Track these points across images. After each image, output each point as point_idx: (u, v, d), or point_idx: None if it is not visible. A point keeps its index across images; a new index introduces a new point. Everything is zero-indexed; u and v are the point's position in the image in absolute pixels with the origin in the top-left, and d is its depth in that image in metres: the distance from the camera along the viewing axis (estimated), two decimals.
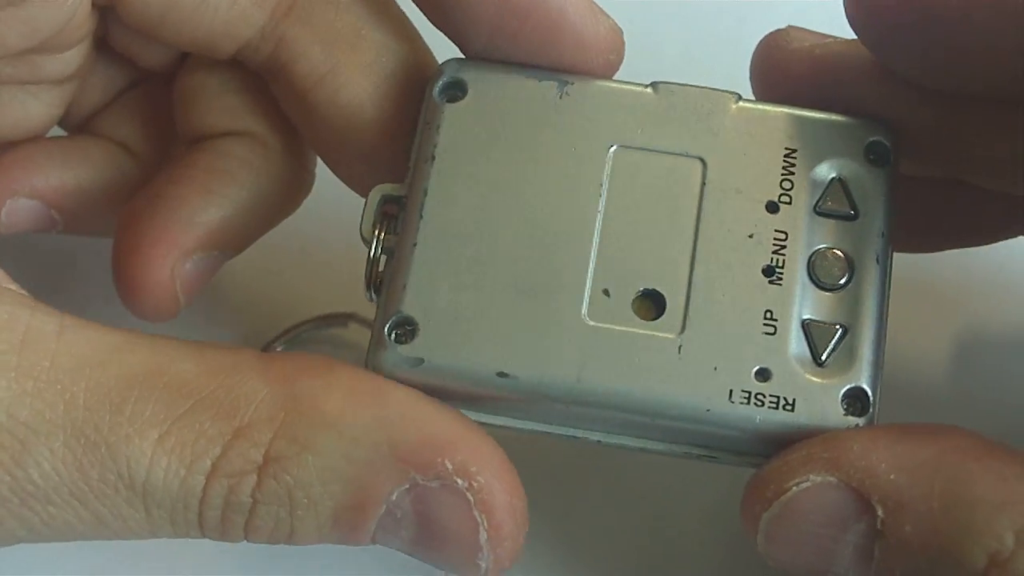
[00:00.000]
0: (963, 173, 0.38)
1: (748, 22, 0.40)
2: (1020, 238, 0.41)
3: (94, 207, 0.41)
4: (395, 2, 0.39)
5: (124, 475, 0.31)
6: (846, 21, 0.36)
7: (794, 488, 0.32)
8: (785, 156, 0.35)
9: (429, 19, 0.37)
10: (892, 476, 0.31)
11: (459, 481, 0.31)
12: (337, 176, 0.40)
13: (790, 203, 0.35)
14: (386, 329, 0.34)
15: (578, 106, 0.36)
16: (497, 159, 0.35)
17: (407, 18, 0.39)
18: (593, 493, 0.42)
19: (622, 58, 0.37)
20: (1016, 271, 0.45)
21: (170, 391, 0.31)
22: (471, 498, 0.32)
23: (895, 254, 0.35)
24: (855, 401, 0.33)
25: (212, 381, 0.31)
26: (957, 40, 0.34)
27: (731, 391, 0.33)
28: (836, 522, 0.32)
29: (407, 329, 0.34)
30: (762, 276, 0.34)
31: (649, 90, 0.36)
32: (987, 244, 0.42)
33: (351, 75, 0.38)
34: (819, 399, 0.33)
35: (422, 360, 0.33)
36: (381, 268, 0.36)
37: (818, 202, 0.35)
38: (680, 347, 0.33)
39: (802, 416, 0.33)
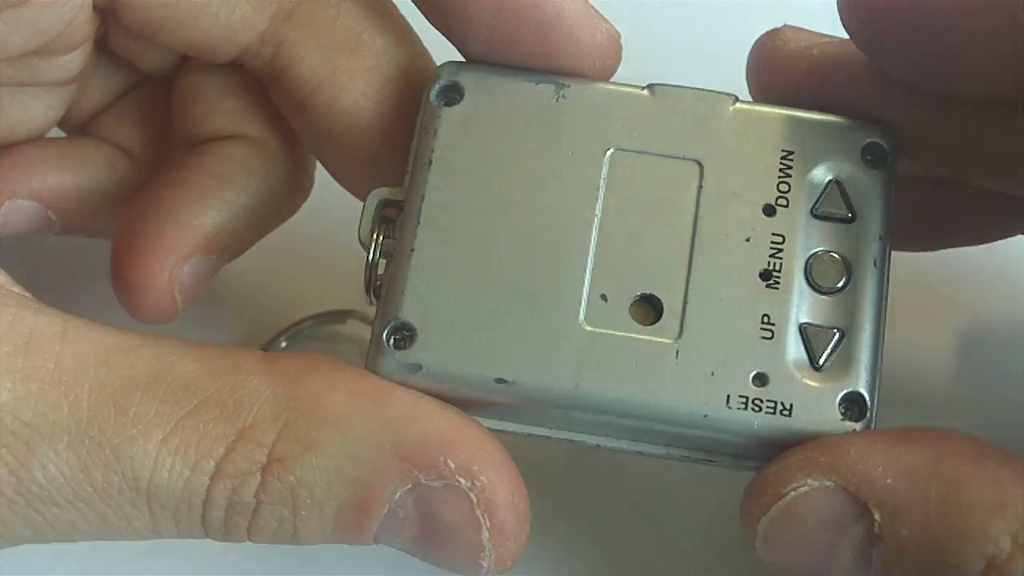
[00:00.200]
0: (960, 173, 0.39)
1: (747, 22, 0.39)
2: (1018, 237, 0.41)
3: (92, 209, 0.41)
4: (395, 7, 0.39)
5: (128, 476, 0.31)
6: None
7: (792, 492, 0.32)
8: (782, 158, 0.35)
9: (428, 20, 0.37)
10: (889, 480, 0.31)
11: (462, 480, 0.32)
12: (336, 180, 0.40)
13: (787, 206, 0.35)
14: (385, 335, 0.34)
15: (575, 109, 0.36)
16: (494, 162, 0.35)
17: (407, 23, 0.39)
18: (594, 494, 0.42)
19: (619, 62, 0.37)
20: (1014, 271, 0.46)
21: (174, 392, 0.31)
22: (474, 497, 0.32)
23: (893, 254, 0.35)
24: (852, 406, 0.33)
25: (215, 382, 0.32)
26: (951, 43, 0.34)
27: (729, 396, 0.33)
28: (834, 526, 0.32)
29: (405, 335, 0.34)
30: (759, 280, 0.34)
31: (646, 92, 0.36)
32: (985, 243, 0.43)
33: (351, 80, 0.38)
34: (816, 404, 0.33)
35: (420, 366, 0.33)
36: (380, 272, 0.36)
37: (815, 205, 0.35)
38: (677, 352, 0.33)
39: (800, 421, 0.33)
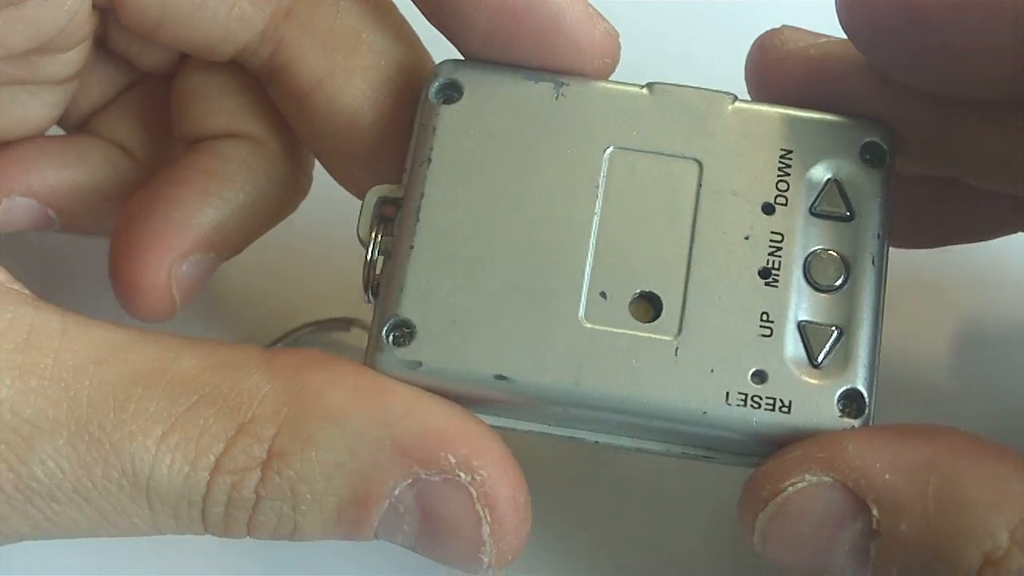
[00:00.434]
0: (959, 173, 0.38)
1: (746, 22, 0.39)
2: (1018, 236, 0.42)
3: (91, 207, 0.41)
4: (394, 6, 0.39)
5: (128, 472, 0.31)
6: None
7: (790, 488, 0.32)
8: (781, 157, 0.35)
9: (428, 19, 0.37)
10: (887, 476, 0.31)
11: (462, 475, 0.32)
12: (335, 179, 0.40)
13: (786, 204, 0.35)
14: (384, 332, 0.34)
15: (574, 107, 0.36)
16: (493, 161, 0.35)
17: (406, 22, 0.39)
18: (593, 490, 0.42)
19: (617, 61, 0.37)
20: (1013, 269, 0.46)
21: (173, 387, 0.31)
22: (474, 492, 0.32)
23: (892, 251, 0.35)
24: (851, 402, 0.33)
25: (215, 377, 0.32)
26: (948, 43, 0.34)
27: (728, 393, 0.33)
28: (832, 522, 0.32)
29: (405, 332, 0.34)
30: (758, 278, 0.34)
31: (645, 91, 0.36)
32: (985, 240, 0.43)
33: (349, 78, 0.38)
34: (815, 401, 0.33)
35: (420, 363, 0.33)
36: (379, 270, 0.36)
37: (814, 203, 0.35)
38: (677, 349, 0.34)
39: (798, 418, 0.33)
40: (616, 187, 0.35)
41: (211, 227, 0.39)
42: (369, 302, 0.36)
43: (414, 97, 0.37)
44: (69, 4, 0.36)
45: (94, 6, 0.37)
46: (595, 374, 0.33)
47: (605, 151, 0.36)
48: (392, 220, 0.36)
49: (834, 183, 0.35)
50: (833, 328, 0.34)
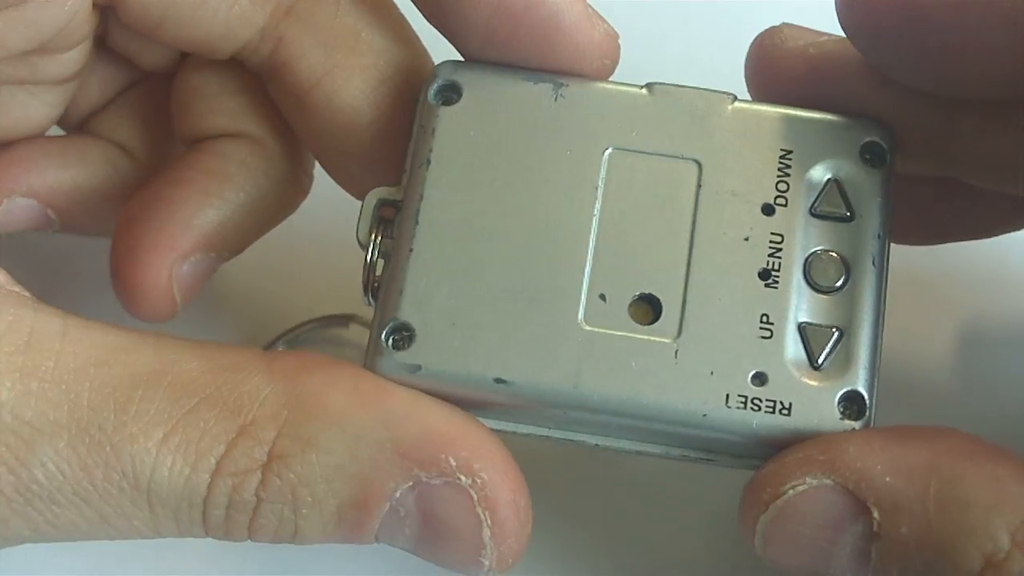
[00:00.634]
0: (958, 173, 0.38)
1: (745, 21, 0.39)
2: (1018, 236, 0.42)
3: (91, 207, 0.41)
4: (395, 6, 0.39)
5: (128, 474, 0.31)
6: None
7: (790, 491, 0.32)
8: (781, 157, 0.35)
9: (427, 19, 0.37)
10: (888, 478, 0.31)
11: (462, 478, 0.32)
12: (334, 179, 0.40)
13: (786, 205, 0.35)
14: (383, 335, 0.34)
15: (574, 108, 0.36)
16: (492, 162, 0.35)
17: (406, 21, 0.39)
18: (593, 492, 0.42)
19: (617, 62, 0.37)
20: (1014, 269, 0.46)
21: (174, 390, 0.31)
22: (474, 495, 0.32)
23: (893, 249, 0.35)
24: (851, 404, 0.33)
25: (216, 379, 0.32)
26: (948, 44, 0.34)
27: (728, 396, 0.33)
28: (832, 524, 0.32)
29: (404, 335, 0.34)
30: (758, 279, 0.34)
31: (645, 91, 0.36)
32: (986, 238, 0.43)
33: (348, 77, 0.38)
34: (815, 403, 0.33)
35: (419, 366, 0.33)
36: (378, 272, 0.36)
37: (814, 204, 0.35)
38: (676, 352, 0.34)
39: (799, 420, 0.33)
40: (615, 188, 0.35)
41: (212, 227, 0.39)
42: (369, 304, 0.36)
43: (413, 97, 0.37)
44: (69, 4, 0.36)
45: (94, 5, 0.37)
46: (595, 377, 0.33)
47: (604, 152, 0.35)
48: (391, 222, 0.36)
49: (834, 183, 0.35)
50: (833, 329, 0.34)
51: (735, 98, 0.36)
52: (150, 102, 0.42)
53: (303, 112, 0.39)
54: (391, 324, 0.34)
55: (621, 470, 0.42)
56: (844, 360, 0.34)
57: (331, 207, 0.41)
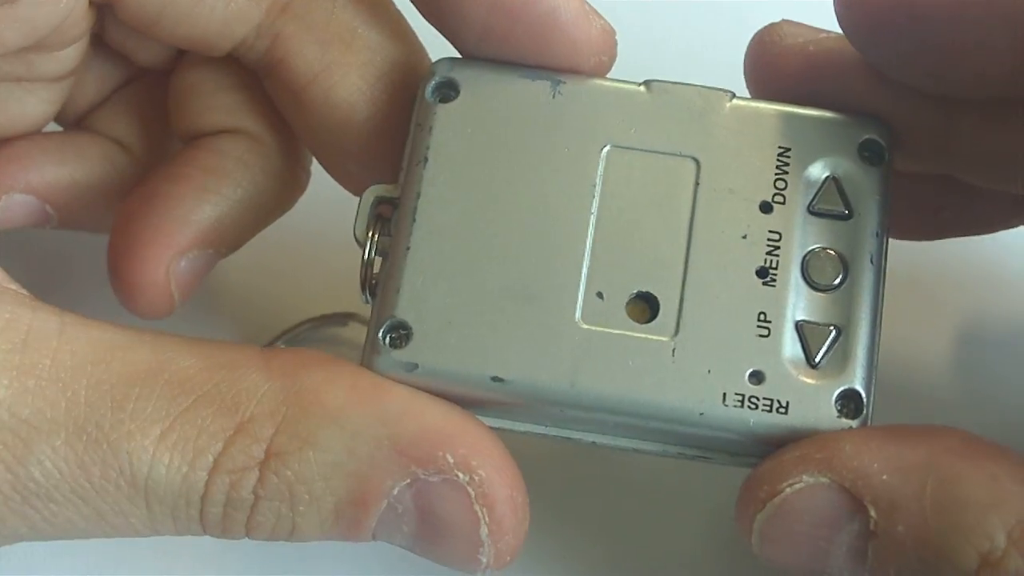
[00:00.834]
0: (957, 171, 0.38)
1: (744, 18, 0.39)
2: (1017, 234, 0.42)
3: (89, 203, 0.41)
4: (391, 2, 0.39)
5: (126, 472, 0.31)
6: None
7: (787, 489, 0.32)
8: (779, 155, 0.35)
9: (424, 16, 0.37)
10: (884, 477, 0.31)
11: (460, 475, 0.32)
12: (331, 176, 0.40)
13: (784, 203, 0.35)
14: (380, 333, 0.34)
15: (571, 106, 0.36)
16: (490, 160, 0.35)
17: (403, 18, 0.39)
18: (591, 490, 0.42)
19: (614, 58, 0.37)
20: (1013, 268, 0.46)
21: (172, 387, 0.31)
22: (472, 492, 0.32)
23: (891, 248, 0.35)
24: (848, 403, 0.33)
25: (214, 377, 0.32)
26: (945, 41, 0.34)
27: (725, 394, 0.33)
28: (829, 523, 0.32)
29: (401, 333, 0.34)
30: (756, 277, 0.34)
31: (642, 89, 0.36)
32: (985, 234, 0.43)
33: (345, 74, 0.38)
34: (812, 401, 0.33)
35: (416, 364, 0.33)
36: (376, 270, 0.35)
37: (812, 202, 0.35)
38: (674, 350, 0.33)
39: (796, 418, 0.33)
40: (613, 186, 0.35)
41: (209, 223, 0.39)
42: (367, 302, 0.36)
43: (410, 94, 0.37)
44: (65, 1, 0.36)
45: (91, 3, 0.37)
46: (591, 375, 0.33)
47: (602, 149, 0.35)
48: (389, 220, 0.36)
49: (832, 181, 0.35)
50: (831, 328, 0.34)
51: (733, 95, 0.36)
52: (147, 99, 0.42)
53: (300, 108, 0.39)
54: (388, 322, 0.34)
55: (618, 468, 0.42)
56: (841, 358, 0.34)
57: (329, 205, 0.41)
